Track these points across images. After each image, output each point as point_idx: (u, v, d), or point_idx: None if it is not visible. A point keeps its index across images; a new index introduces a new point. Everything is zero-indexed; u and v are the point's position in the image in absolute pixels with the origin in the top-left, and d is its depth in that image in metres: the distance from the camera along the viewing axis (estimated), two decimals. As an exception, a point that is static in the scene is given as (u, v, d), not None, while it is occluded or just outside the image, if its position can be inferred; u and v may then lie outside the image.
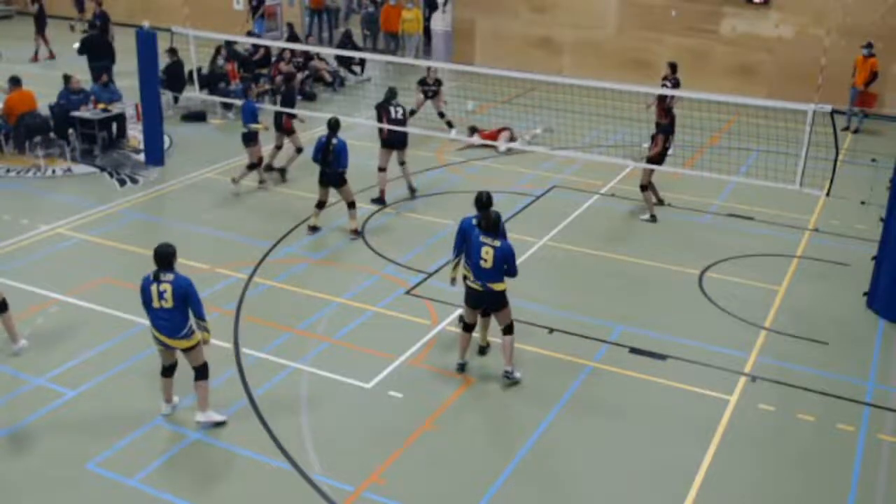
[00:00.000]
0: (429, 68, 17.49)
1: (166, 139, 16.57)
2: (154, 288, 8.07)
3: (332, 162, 12.33)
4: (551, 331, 10.34)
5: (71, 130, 15.85)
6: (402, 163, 14.33)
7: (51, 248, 12.17)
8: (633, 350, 10.08)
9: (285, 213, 13.64)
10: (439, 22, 24.47)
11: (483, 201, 9.15)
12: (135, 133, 16.69)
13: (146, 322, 10.13)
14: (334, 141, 12.29)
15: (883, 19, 19.71)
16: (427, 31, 25.15)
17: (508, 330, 9.25)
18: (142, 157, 15.87)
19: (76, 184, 14.75)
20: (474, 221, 9.18)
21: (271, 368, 9.50)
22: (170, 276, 8.08)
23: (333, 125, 12.43)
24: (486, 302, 9.15)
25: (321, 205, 12.79)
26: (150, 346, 9.75)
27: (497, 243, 8.89)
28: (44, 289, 10.99)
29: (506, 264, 8.91)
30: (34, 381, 9.11)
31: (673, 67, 16.89)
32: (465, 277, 9.29)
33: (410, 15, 24.02)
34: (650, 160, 13.71)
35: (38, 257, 11.84)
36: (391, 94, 14.21)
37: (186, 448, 8.20)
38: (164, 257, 8.09)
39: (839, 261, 12.61)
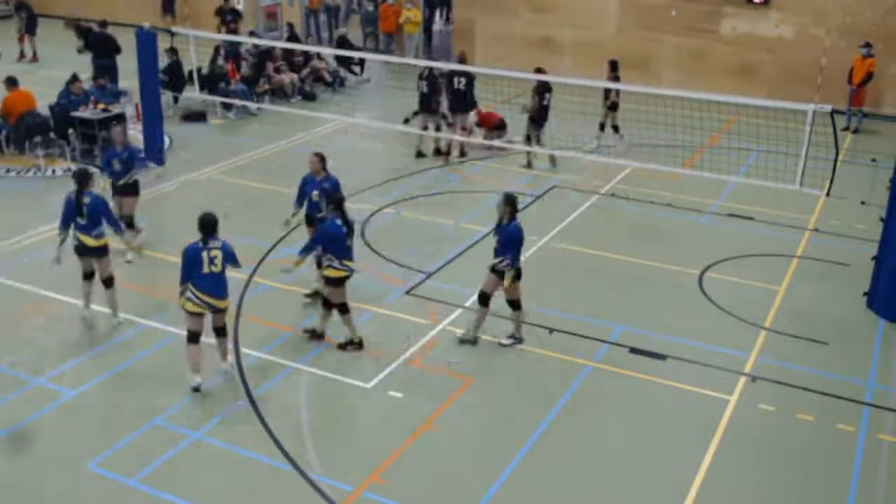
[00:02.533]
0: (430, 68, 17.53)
1: (166, 139, 16.56)
2: (205, 255, 8.57)
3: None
4: (551, 331, 10.34)
5: (71, 130, 15.85)
6: (462, 128, 16.56)
7: (51, 248, 12.11)
8: (633, 350, 10.08)
9: (285, 213, 13.59)
10: (439, 23, 24.46)
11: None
12: (135, 133, 16.68)
13: (146, 322, 10.24)
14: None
15: (883, 19, 19.70)
16: (427, 31, 25.14)
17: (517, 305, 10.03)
18: (142, 156, 15.85)
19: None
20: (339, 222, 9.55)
21: (271, 368, 9.50)
22: (217, 243, 8.68)
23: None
24: None
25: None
26: (150, 346, 9.81)
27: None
28: (44, 289, 10.99)
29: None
30: (34, 381, 9.11)
31: (613, 65, 16.95)
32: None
33: (410, 14, 24.01)
34: (530, 118, 15.86)
35: (39, 257, 11.80)
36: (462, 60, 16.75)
37: (186, 448, 8.19)
38: (213, 224, 8.69)
39: (839, 261, 12.61)
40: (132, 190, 11.99)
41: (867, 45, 18.76)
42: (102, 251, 10.03)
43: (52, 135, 15.96)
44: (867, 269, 11.64)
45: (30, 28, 23.08)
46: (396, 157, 16.64)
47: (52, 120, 16.03)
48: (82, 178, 9.91)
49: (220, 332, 9.12)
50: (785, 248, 13.09)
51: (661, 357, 9.96)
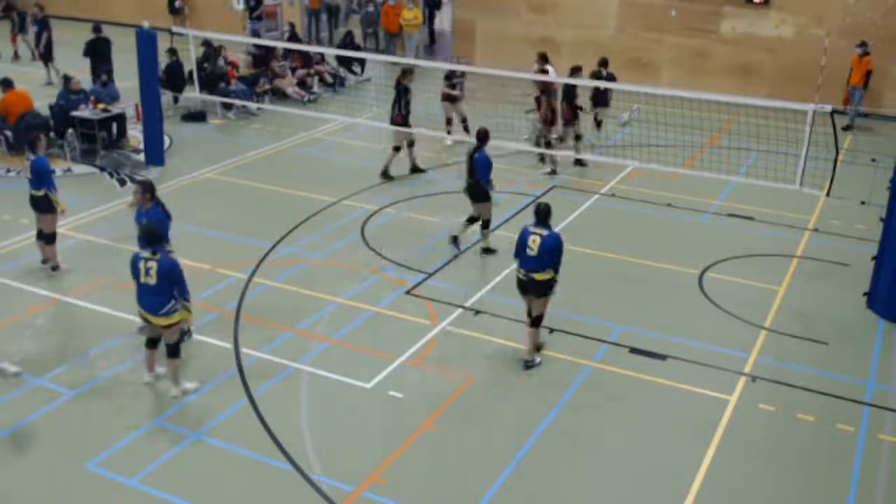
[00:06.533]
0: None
1: (166, 139, 16.57)
2: (142, 265, 8.54)
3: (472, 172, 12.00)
4: (551, 331, 10.34)
5: (71, 130, 15.85)
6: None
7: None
8: (633, 350, 10.08)
9: (285, 213, 13.63)
10: (444, 22, 24.53)
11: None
12: (135, 133, 16.69)
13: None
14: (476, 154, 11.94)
15: (883, 19, 19.71)
16: (431, 32, 25.15)
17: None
18: (142, 157, 15.87)
19: (76, 184, 14.74)
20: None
21: (271, 368, 9.50)
22: (156, 256, 8.56)
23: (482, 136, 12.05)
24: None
25: (472, 220, 12.38)
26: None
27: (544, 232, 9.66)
28: (44, 289, 11.00)
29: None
30: (34, 381, 9.11)
31: (543, 58, 17.12)
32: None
33: (410, 14, 24.02)
34: (543, 120, 15.97)
35: (39, 257, 11.81)
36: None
37: (186, 448, 8.20)
38: (156, 237, 8.71)
39: (839, 261, 12.61)
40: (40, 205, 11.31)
41: (863, 44, 18.79)
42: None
43: (52, 135, 15.96)
44: (867, 269, 11.63)
45: (22, 28, 23.11)
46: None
47: (52, 120, 16.03)
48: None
49: (168, 352, 8.82)
50: (785, 248, 13.09)
51: (662, 357, 9.96)
